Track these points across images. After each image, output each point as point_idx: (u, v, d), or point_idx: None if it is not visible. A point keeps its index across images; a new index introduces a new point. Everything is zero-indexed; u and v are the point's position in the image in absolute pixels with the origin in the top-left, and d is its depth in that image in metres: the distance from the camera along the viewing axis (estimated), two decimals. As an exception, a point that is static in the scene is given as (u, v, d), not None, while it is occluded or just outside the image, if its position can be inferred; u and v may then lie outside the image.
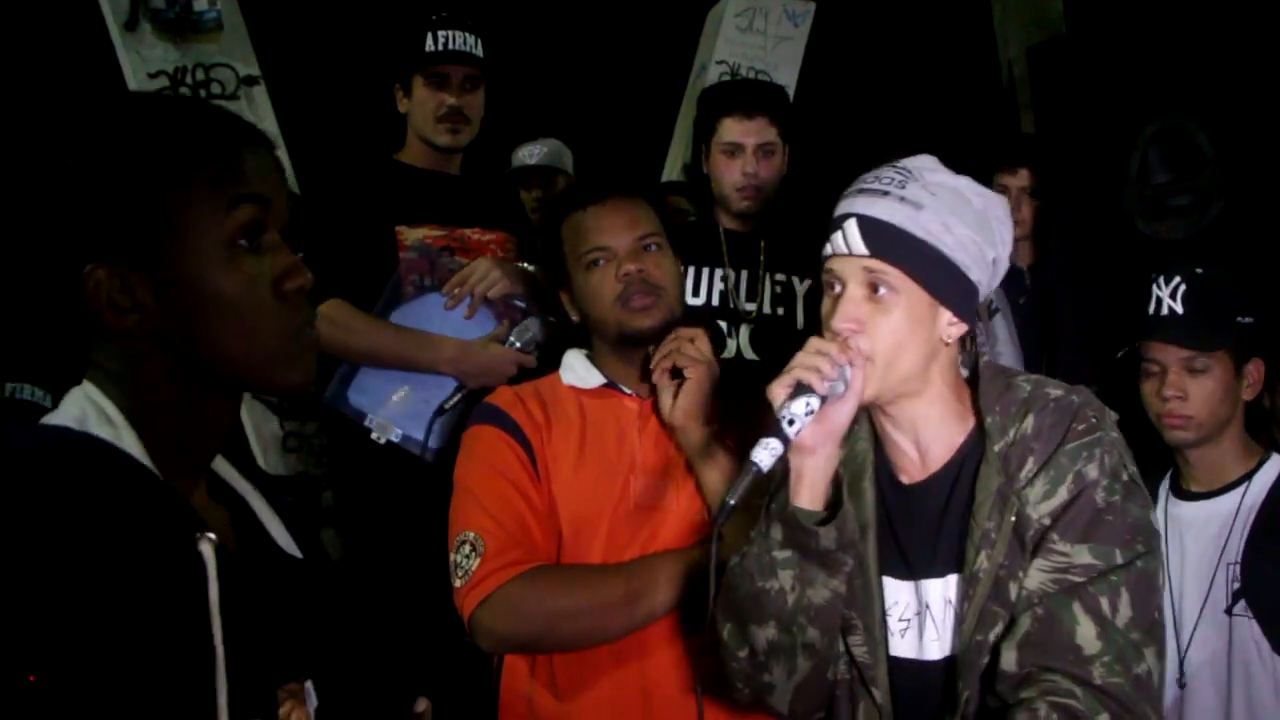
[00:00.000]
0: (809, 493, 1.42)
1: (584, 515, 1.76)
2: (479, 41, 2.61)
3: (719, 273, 2.72)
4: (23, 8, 3.65)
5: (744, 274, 2.72)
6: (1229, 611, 2.09)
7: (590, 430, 1.81)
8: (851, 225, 1.40)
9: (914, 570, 1.47)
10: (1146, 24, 3.78)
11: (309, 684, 1.14)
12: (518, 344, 2.36)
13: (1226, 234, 3.59)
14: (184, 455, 1.03)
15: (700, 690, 1.54)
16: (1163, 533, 2.16)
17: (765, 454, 1.36)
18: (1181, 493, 2.23)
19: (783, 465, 1.41)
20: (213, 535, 0.96)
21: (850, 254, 1.40)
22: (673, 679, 1.73)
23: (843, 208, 1.43)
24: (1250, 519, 2.10)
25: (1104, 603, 1.32)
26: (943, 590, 1.45)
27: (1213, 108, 3.60)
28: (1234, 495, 2.14)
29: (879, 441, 1.52)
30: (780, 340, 2.69)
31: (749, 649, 1.47)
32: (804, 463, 1.41)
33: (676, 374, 1.78)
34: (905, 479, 1.50)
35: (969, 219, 1.40)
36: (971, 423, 1.47)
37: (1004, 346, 2.89)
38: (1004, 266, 1.47)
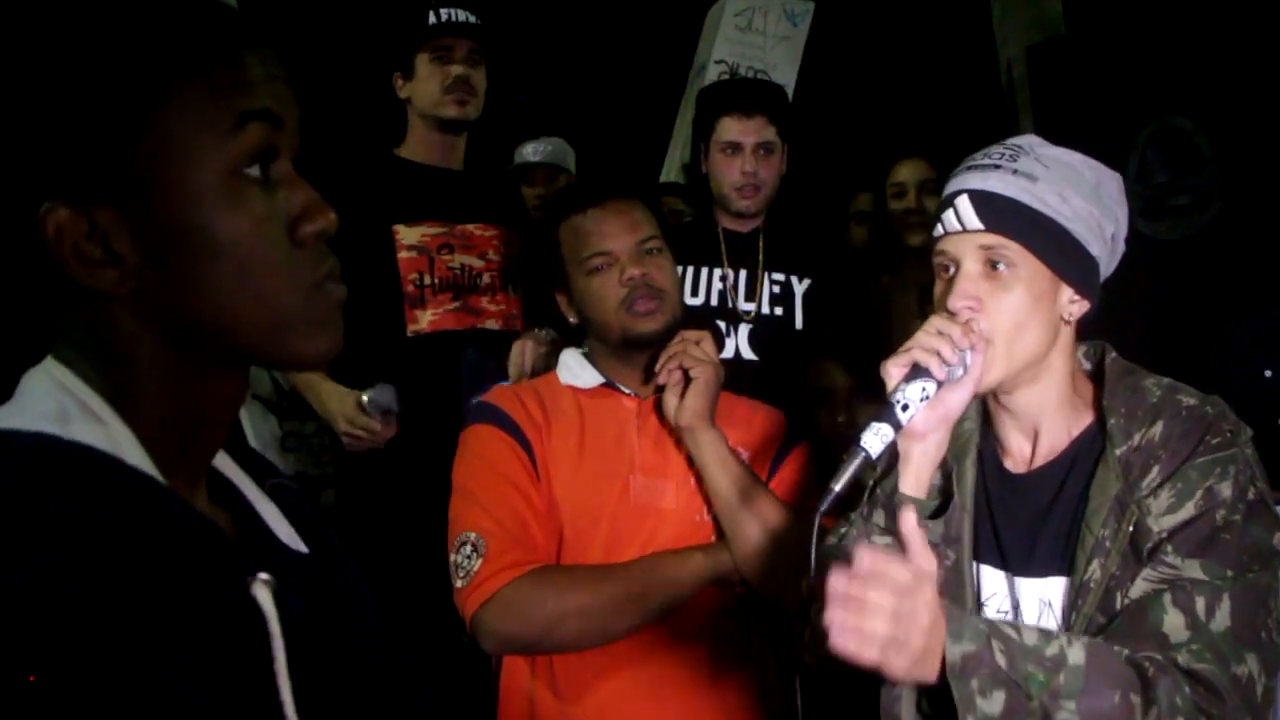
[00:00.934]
0: (914, 479, 1.37)
1: (584, 515, 1.76)
2: (479, 20, 2.61)
3: (718, 272, 2.71)
4: (20, 6, 3.64)
5: (743, 274, 2.72)
6: None
7: (589, 430, 1.81)
8: (964, 201, 1.34)
9: (1009, 563, 1.40)
10: (1146, 24, 3.78)
11: None
12: (366, 399, 2.36)
13: (1225, 234, 3.59)
14: (183, 454, 0.81)
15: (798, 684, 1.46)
16: None
17: (875, 439, 1.29)
18: None
19: (891, 448, 1.36)
20: (266, 576, 0.75)
21: (965, 230, 1.34)
22: (675, 678, 1.73)
23: (953, 185, 1.37)
24: None
25: (1199, 603, 1.23)
26: (1039, 591, 1.38)
27: (1211, 108, 3.60)
28: None
29: (988, 422, 1.46)
30: (779, 340, 2.69)
31: None
32: (912, 447, 1.36)
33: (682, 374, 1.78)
34: (1011, 466, 1.43)
35: (1085, 191, 1.34)
36: (1089, 418, 1.40)
37: None
38: (1121, 245, 1.41)
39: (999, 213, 1.33)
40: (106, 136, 0.73)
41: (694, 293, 2.70)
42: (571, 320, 1.88)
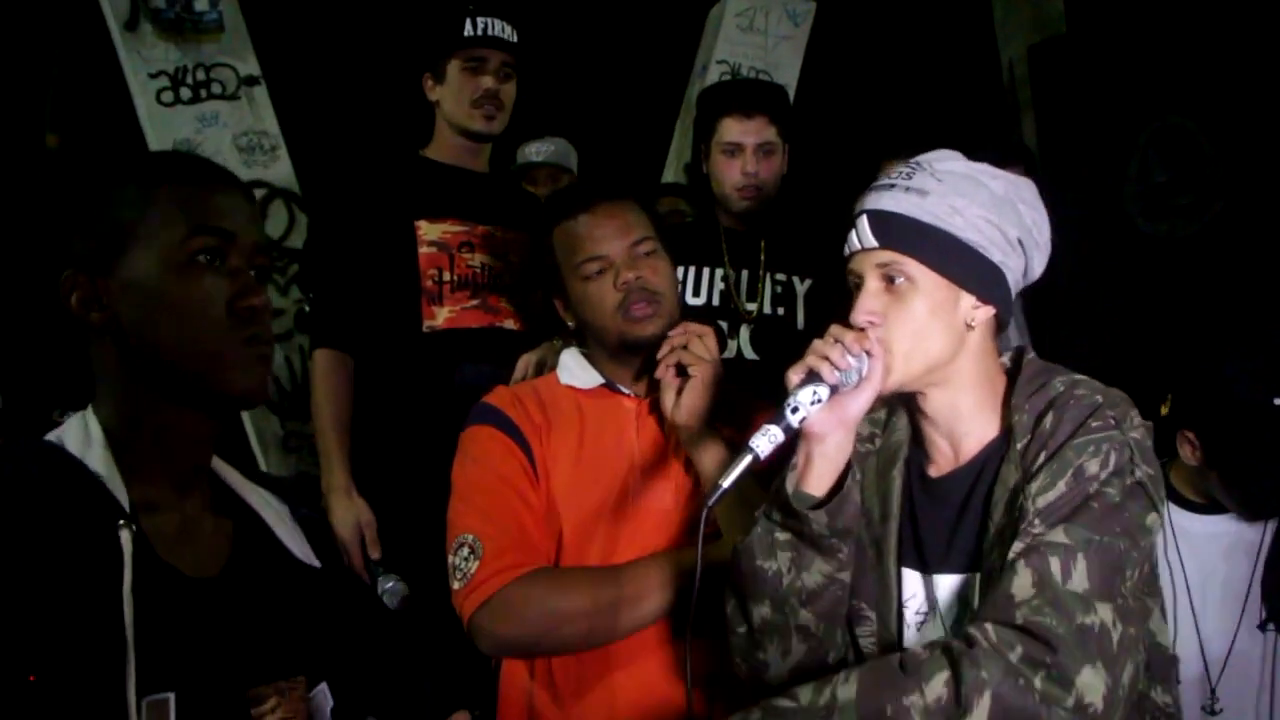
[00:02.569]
0: (815, 479, 1.41)
1: (583, 516, 1.76)
2: (515, 31, 2.61)
3: (719, 272, 2.72)
4: (23, 8, 3.65)
5: (744, 274, 2.72)
6: (1263, 628, 2.02)
7: (589, 431, 1.81)
8: (862, 221, 1.42)
9: (928, 564, 1.46)
10: (1147, 24, 3.79)
11: (323, 686, 1.21)
12: (383, 590, 2.39)
13: (1226, 233, 3.59)
14: (162, 466, 1.14)
15: (689, 683, 1.53)
16: (1174, 547, 2.09)
17: (764, 440, 1.37)
18: (1188, 504, 2.11)
19: (789, 448, 1.41)
20: (135, 527, 1.07)
21: (863, 249, 1.42)
22: (673, 679, 1.73)
23: (858, 205, 1.45)
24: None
25: (1053, 563, 1.27)
26: (954, 586, 1.44)
27: (1213, 107, 3.60)
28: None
29: (916, 434, 1.52)
30: (781, 340, 2.69)
31: (746, 625, 1.48)
32: (812, 449, 1.41)
33: (681, 372, 1.78)
34: (933, 471, 1.49)
35: (982, 200, 1.40)
36: (1002, 420, 1.46)
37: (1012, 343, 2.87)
38: (1043, 247, 1.46)
39: (891, 230, 1.40)
40: (103, 227, 1.12)
41: (696, 293, 2.70)
42: (570, 325, 1.88)
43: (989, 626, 1.25)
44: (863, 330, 1.40)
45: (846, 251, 1.46)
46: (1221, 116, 3.53)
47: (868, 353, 1.38)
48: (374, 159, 2.64)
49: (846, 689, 1.26)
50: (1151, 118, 3.71)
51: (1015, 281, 1.46)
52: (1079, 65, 4.04)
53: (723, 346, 2.64)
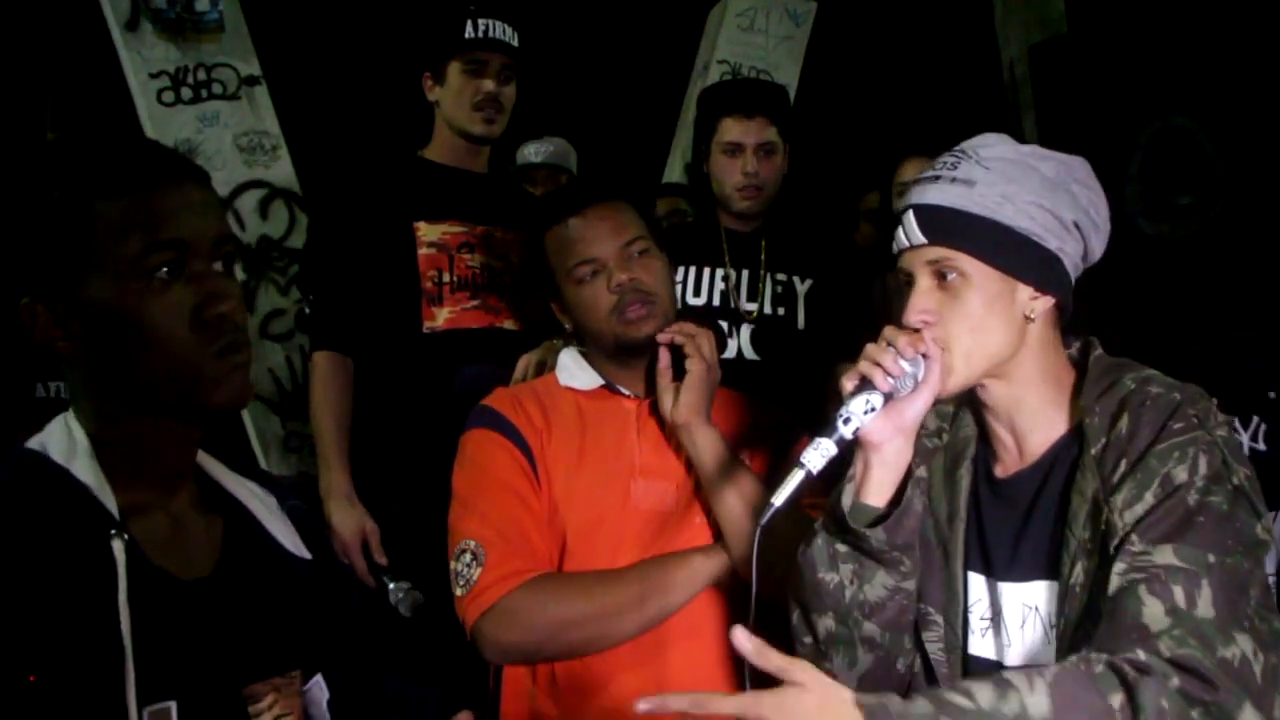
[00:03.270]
0: (875, 488, 1.36)
1: (585, 519, 1.75)
2: (515, 33, 2.61)
3: (720, 272, 2.71)
4: (24, 7, 3.65)
5: (745, 274, 2.72)
6: None
7: (590, 433, 1.80)
8: (909, 217, 1.36)
9: (992, 570, 1.40)
10: (1148, 23, 3.78)
11: (318, 678, 1.19)
12: (396, 599, 2.38)
13: (1227, 233, 3.59)
14: (148, 470, 1.12)
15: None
16: None
17: (815, 455, 1.31)
18: None
19: (844, 457, 1.36)
20: (127, 535, 1.05)
21: (912, 246, 1.36)
22: (677, 683, 1.72)
23: (903, 202, 1.39)
24: None
25: (1177, 592, 1.18)
26: (1022, 596, 1.37)
27: (1214, 107, 3.60)
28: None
29: (982, 429, 1.46)
30: (781, 340, 2.69)
31: (812, 637, 1.43)
32: (870, 457, 1.36)
33: (678, 374, 1.77)
34: (1000, 472, 1.43)
35: (1033, 185, 1.34)
36: (1070, 418, 1.39)
37: None
38: (1101, 228, 1.40)
39: (939, 224, 1.34)
40: (53, 252, 1.05)
41: (696, 293, 2.70)
42: (567, 327, 1.88)
43: (1143, 655, 1.15)
44: (917, 332, 1.34)
45: (895, 249, 1.40)
46: (1222, 117, 3.53)
47: (923, 355, 1.32)
48: (373, 160, 2.64)
49: (1037, 702, 1.13)
50: (1152, 118, 3.71)
51: (1074, 266, 1.39)
52: (1080, 65, 4.04)
53: (723, 346, 2.64)
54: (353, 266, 2.51)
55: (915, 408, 1.34)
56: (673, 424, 1.75)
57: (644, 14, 4.46)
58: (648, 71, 4.48)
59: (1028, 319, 1.36)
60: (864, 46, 4.71)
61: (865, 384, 1.32)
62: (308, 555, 1.25)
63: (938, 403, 1.39)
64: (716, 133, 2.69)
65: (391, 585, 2.39)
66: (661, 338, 1.77)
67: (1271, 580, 1.95)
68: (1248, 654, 1.16)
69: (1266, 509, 1.28)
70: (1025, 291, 1.35)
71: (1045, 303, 1.37)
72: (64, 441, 1.09)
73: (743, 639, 1.14)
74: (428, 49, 2.62)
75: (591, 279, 1.77)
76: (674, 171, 4.38)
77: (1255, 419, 2.00)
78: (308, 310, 2.64)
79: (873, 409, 1.31)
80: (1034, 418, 1.39)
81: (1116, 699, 1.13)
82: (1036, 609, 1.36)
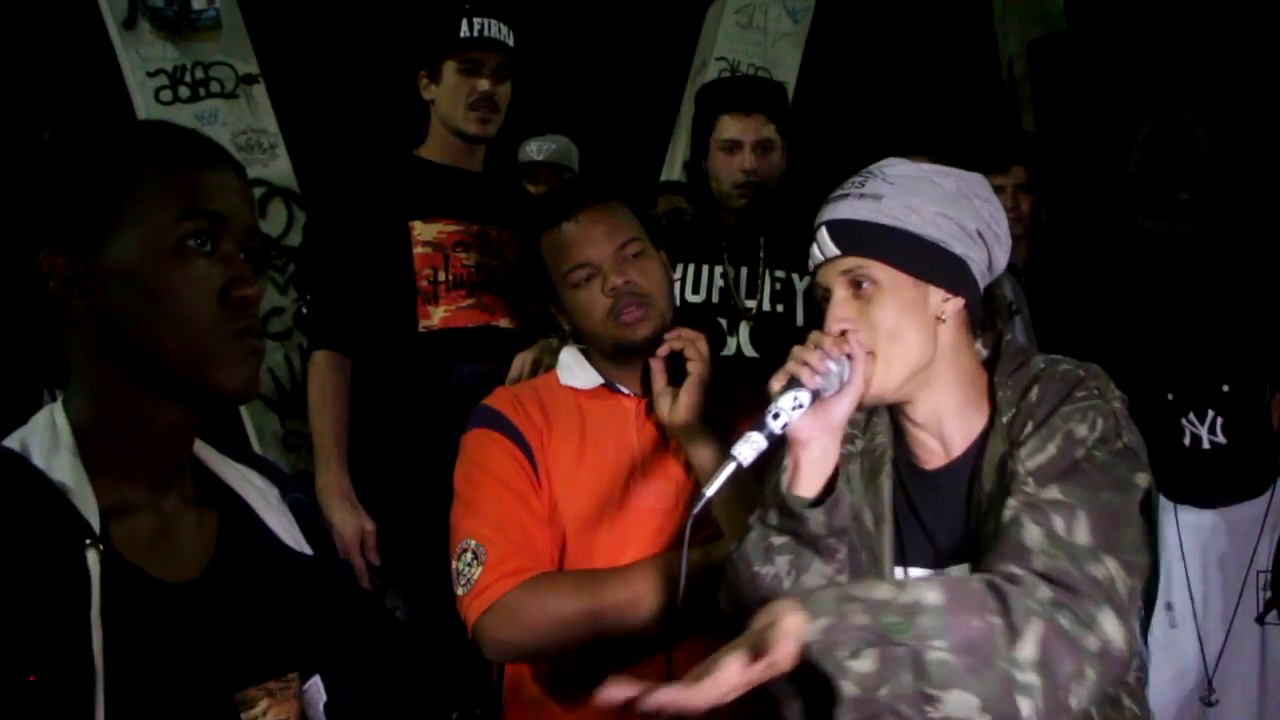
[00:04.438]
0: (804, 485, 1.42)
1: (586, 518, 1.76)
2: (511, 33, 2.61)
3: (718, 270, 2.71)
4: (22, 6, 3.65)
5: (744, 271, 2.72)
6: (1261, 621, 2.02)
7: (590, 432, 1.80)
8: (822, 233, 1.45)
9: (940, 558, 1.47)
10: (1147, 20, 3.78)
11: (316, 679, 1.15)
12: (391, 603, 2.40)
13: (1227, 229, 3.59)
14: (139, 463, 1.07)
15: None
16: (1177, 540, 2.11)
17: (746, 447, 1.37)
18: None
19: (778, 452, 1.42)
20: (102, 546, 0.99)
21: (827, 259, 1.45)
22: (678, 680, 1.72)
23: (817, 219, 1.47)
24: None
25: (1056, 520, 1.31)
26: (966, 574, 1.43)
27: (1213, 103, 3.60)
28: (1260, 501, 2.06)
29: (899, 435, 1.52)
30: (780, 337, 2.68)
31: None
32: (799, 455, 1.42)
33: (675, 379, 1.77)
34: (926, 466, 1.50)
35: (936, 197, 1.43)
36: (989, 407, 1.48)
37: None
38: (1002, 240, 1.48)
39: (851, 236, 1.43)
40: (87, 206, 1.03)
41: (695, 290, 2.70)
42: (566, 328, 1.88)
43: (1015, 568, 1.28)
44: (843, 334, 1.41)
45: (810, 266, 1.48)
46: (1221, 113, 3.53)
47: (848, 356, 1.39)
48: (368, 159, 2.64)
49: (932, 593, 1.26)
50: (1151, 114, 3.71)
51: (980, 274, 1.47)
52: (1079, 61, 4.04)
53: (722, 344, 2.64)
54: (349, 266, 2.51)
55: (841, 407, 1.41)
56: (672, 425, 1.75)
57: (642, 11, 4.46)
58: (646, 69, 4.48)
59: (939, 320, 1.44)
60: (863, 43, 4.70)
61: (793, 382, 1.39)
62: (309, 551, 1.21)
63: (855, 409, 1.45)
64: (715, 130, 2.69)
65: (389, 593, 2.40)
66: (660, 351, 1.77)
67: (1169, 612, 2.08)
68: (1113, 573, 1.29)
69: (1149, 466, 1.41)
70: (937, 294, 1.44)
71: (956, 304, 1.45)
72: (46, 436, 1.04)
73: (615, 692, 1.24)
74: (423, 48, 2.62)
75: (587, 283, 1.77)
76: (673, 169, 4.37)
77: (1210, 413, 2.04)
78: (305, 309, 2.64)
79: (800, 405, 1.38)
80: (957, 420, 1.48)
81: (992, 603, 1.25)
82: None
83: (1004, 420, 1.42)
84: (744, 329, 2.69)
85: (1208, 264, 3.46)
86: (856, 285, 1.43)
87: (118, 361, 1.04)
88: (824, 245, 1.44)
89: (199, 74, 3.61)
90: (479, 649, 1.71)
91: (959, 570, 1.44)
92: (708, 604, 1.53)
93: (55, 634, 0.95)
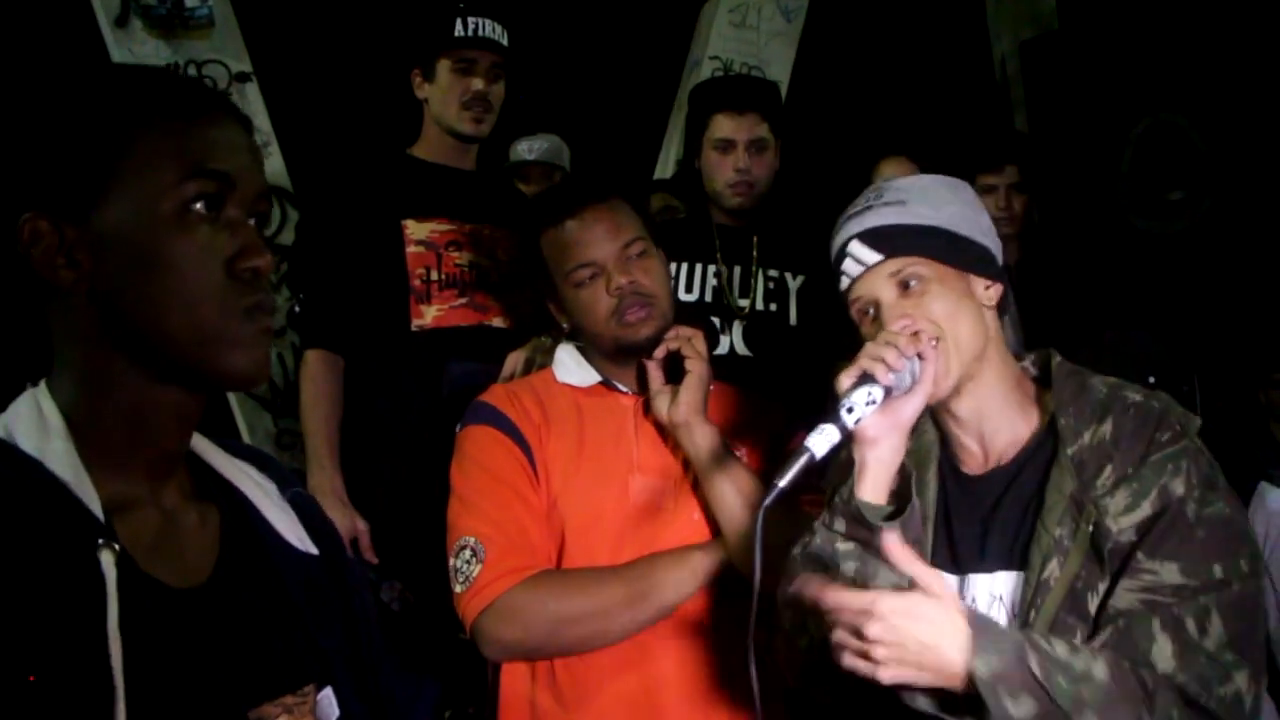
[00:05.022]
0: (872, 485, 1.41)
1: (584, 516, 1.75)
2: (505, 32, 2.61)
3: (712, 268, 2.72)
4: (14, 4, 3.64)
5: (737, 270, 2.72)
6: None
7: (588, 430, 1.80)
8: (856, 244, 1.45)
9: (960, 564, 1.45)
10: (1139, 19, 3.79)
11: (328, 692, 1.03)
12: (386, 596, 2.39)
13: (1218, 228, 3.60)
14: (137, 454, 0.95)
15: (757, 681, 1.38)
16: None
17: (820, 439, 1.35)
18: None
19: (848, 456, 1.42)
20: (117, 545, 0.86)
21: (868, 268, 1.44)
22: (677, 681, 1.73)
23: (838, 240, 1.47)
24: None
25: (1189, 623, 1.26)
26: (989, 585, 1.42)
27: (1205, 103, 3.61)
28: None
29: (944, 435, 1.51)
30: (773, 336, 2.69)
31: (809, 639, 1.43)
32: (867, 454, 1.41)
33: (672, 377, 1.78)
34: (968, 470, 1.49)
35: (948, 197, 1.47)
36: (1037, 420, 1.46)
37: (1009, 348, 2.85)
38: (997, 241, 1.52)
39: (890, 240, 1.44)
40: (76, 164, 0.91)
41: (688, 289, 2.70)
42: (564, 326, 1.88)
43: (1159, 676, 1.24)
44: (914, 334, 1.39)
45: (845, 283, 1.47)
46: (1213, 112, 3.54)
47: (919, 355, 1.38)
48: (361, 159, 2.64)
49: (1100, 668, 1.23)
50: (1144, 113, 3.72)
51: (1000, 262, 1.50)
52: (1071, 61, 4.05)
53: (715, 343, 2.64)
54: (342, 264, 2.51)
55: (911, 405, 1.40)
56: (671, 423, 1.75)
57: (636, 10, 4.46)
58: (639, 67, 4.48)
59: (986, 307, 1.46)
60: (856, 42, 4.71)
61: (866, 378, 1.37)
62: (314, 550, 1.09)
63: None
64: (708, 129, 2.69)
65: (384, 585, 2.39)
66: (658, 353, 1.77)
67: None
68: (1242, 689, 1.25)
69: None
70: (979, 283, 1.46)
71: (996, 290, 1.48)
72: (34, 423, 0.91)
73: (894, 545, 1.24)
74: (417, 46, 2.61)
75: (590, 282, 1.77)
76: (667, 168, 4.38)
77: None
78: (298, 308, 2.63)
79: (874, 401, 1.36)
80: (999, 420, 1.46)
81: (1146, 701, 1.22)
82: (1001, 598, 1.41)
83: (1069, 451, 1.37)
84: (737, 328, 2.69)
85: (1200, 263, 3.47)
86: (904, 286, 1.43)
87: (112, 341, 0.92)
88: (862, 256, 1.44)
89: (191, 72, 3.60)
90: (477, 647, 1.71)
91: (980, 579, 1.42)
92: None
93: (67, 646, 0.83)
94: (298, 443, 3.47)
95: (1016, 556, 1.39)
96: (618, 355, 1.81)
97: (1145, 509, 1.31)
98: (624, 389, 1.83)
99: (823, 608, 1.22)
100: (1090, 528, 1.33)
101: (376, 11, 3.71)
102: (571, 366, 1.86)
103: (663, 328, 1.78)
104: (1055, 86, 4.14)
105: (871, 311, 1.45)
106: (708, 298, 2.71)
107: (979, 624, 1.22)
